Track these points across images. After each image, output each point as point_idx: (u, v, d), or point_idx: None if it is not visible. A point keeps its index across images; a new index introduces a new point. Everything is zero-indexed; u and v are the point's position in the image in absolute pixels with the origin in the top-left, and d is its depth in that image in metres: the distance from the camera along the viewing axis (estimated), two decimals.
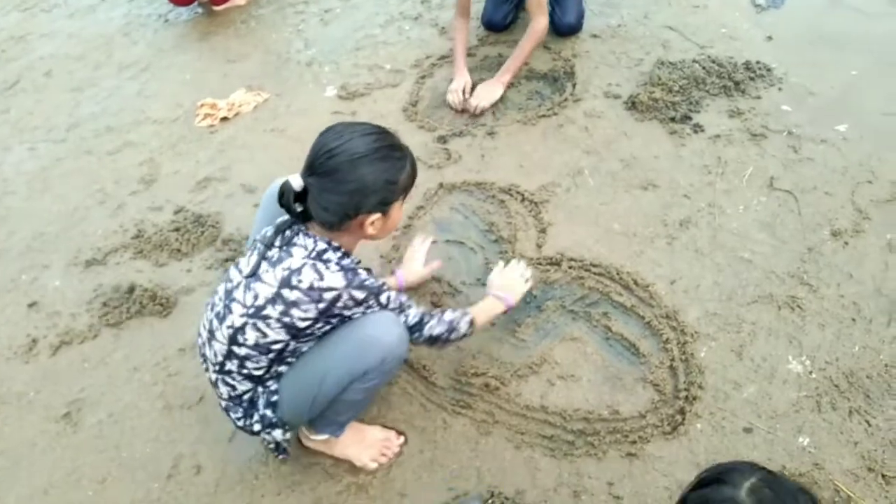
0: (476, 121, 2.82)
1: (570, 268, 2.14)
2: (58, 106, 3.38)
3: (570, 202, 2.40)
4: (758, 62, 2.88)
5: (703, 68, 2.87)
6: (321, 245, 1.42)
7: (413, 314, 1.55)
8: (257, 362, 1.46)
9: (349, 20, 3.67)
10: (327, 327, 1.46)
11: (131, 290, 2.29)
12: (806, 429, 1.71)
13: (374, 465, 1.73)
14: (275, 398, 1.52)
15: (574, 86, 2.90)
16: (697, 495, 1.01)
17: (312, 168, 1.39)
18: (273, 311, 1.38)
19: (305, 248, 1.41)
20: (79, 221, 2.65)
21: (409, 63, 3.23)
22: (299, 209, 1.41)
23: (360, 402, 1.59)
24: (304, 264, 1.38)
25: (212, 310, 1.49)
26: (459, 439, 1.78)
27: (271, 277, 1.39)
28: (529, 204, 2.40)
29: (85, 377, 2.07)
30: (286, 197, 1.39)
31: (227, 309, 1.43)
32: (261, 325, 1.39)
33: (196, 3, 3.93)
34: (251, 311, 1.39)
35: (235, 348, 1.43)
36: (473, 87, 2.90)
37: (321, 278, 1.37)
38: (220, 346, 1.45)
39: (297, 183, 1.39)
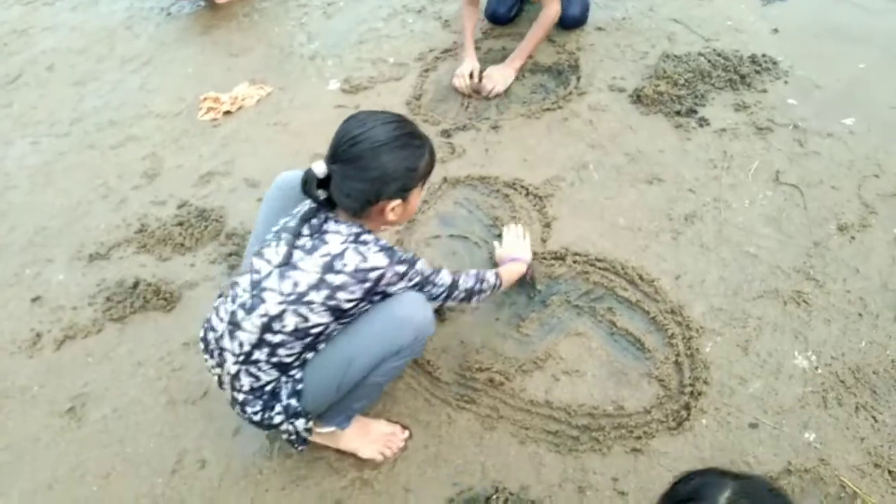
0: (480, 115, 2.81)
1: (574, 262, 2.14)
2: (60, 100, 3.37)
3: (574, 196, 2.39)
4: (764, 55, 2.86)
5: (709, 61, 2.85)
6: (355, 228, 1.46)
7: (445, 274, 1.62)
8: (290, 349, 1.48)
9: (352, 13, 3.65)
10: (368, 306, 1.50)
11: (135, 284, 2.29)
12: (812, 424, 1.70)
13: (379, 458, 1.73)
14: (300, 386, 1.54)
15: (578, 79, 2.89)
16: None
17: (336, 155, 1.43)
18: (317, 297, 1.41)
19: (340, 233, 1.45)
20: (82, 216, 2.65)
21: (412, 56, 3.22)
22: (323, 196, 1.45)
23: (379, 386, 1.63)
24: (345, 249, 1.43)
25: (233, 301, 1.49)
26: (464, 434, 1.78)
27: (311, 265, 1.42)
28: (534, 198, 2.39)
29: (89, 372, 2.07)
30: (309, 184, 1.43)
31: (259, 299, 1.44)
32: (303, 310, 1.42)
33: None
34: (292, 297, 1.42)
35: (269, 336, 1.45)
36: (481, 74, 2.89)
37: (365, 259, 1.42)
38: (248, 336, 1.46)
39: (320, 170, 1.43)
